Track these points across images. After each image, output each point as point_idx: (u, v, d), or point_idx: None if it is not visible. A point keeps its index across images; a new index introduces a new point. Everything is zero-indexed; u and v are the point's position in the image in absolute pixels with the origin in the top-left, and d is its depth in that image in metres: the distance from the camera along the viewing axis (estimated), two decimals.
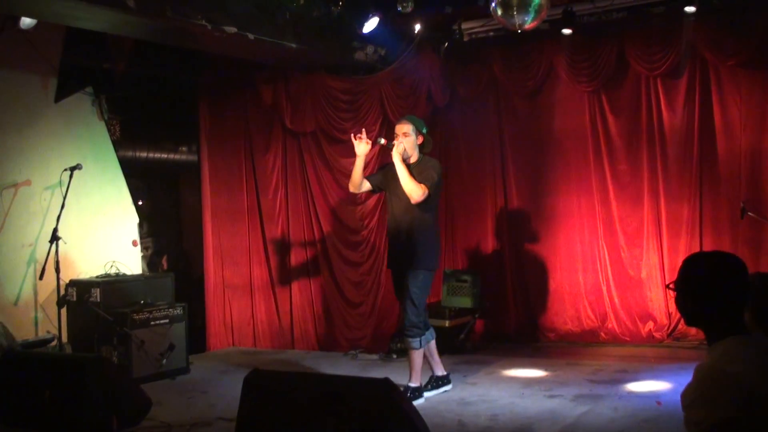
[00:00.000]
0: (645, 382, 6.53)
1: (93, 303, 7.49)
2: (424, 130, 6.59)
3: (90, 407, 5.49)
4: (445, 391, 6.63)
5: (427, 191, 6.26)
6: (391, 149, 6.42)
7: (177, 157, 10.17)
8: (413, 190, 6.25)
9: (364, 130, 6.71)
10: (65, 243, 7.45)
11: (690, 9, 7.34)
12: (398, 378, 5.85)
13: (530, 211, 8.82)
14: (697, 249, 7.94)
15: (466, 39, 8.49)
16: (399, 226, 6.46)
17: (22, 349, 7.28)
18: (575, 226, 8.58)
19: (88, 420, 5.46)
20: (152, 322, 7.54)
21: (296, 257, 9.39)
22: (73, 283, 7.74)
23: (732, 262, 2.66)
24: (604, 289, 8.40)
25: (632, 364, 7.32)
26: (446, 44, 8.57)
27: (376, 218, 9.06)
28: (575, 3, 7.77)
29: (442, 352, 7.67)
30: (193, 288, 9.64)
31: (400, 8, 7.69)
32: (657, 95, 8.09)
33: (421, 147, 6.55)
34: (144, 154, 9.70)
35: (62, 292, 7.57)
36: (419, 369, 6.39)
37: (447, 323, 8.27)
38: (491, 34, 8.38)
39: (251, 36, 7.35)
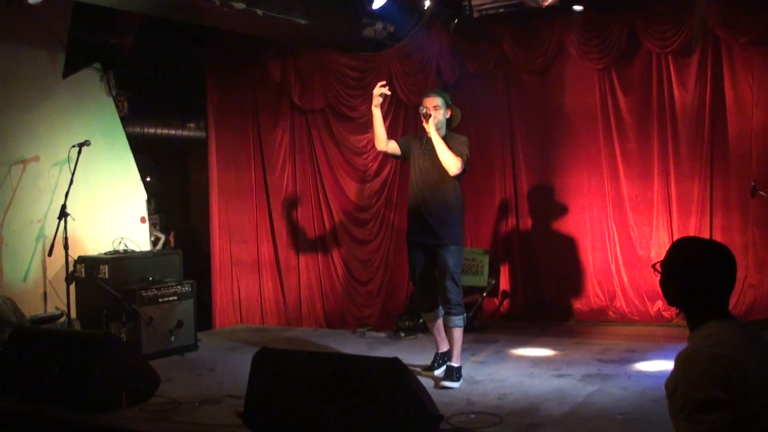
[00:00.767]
0: (654, 362, 6.52)
1: (101, 279, 7.51)
2: (452, 105, 6.44)
3: (99, 383, 5.52)
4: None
5: (462, 164, 6.12)
6: (427, 119, 6.20)
7: (185, 133, 10.15)
8: (453, 161, 6.08)
9: (385, 82, 6.53)
10: (74, 219, 7.45)
11: None
12: (406, 356, 5.86)
13: (539, 189, 8.78)
14: (707, 228, 7.90)
15: (475, 15, 8.39)
16: (428, 201, 6.23)
17: (32, 325, 7.31)
18: (584, 204, 8.54)
19: (97, 396, 5.49)
20: (160, 299, 7.55)
21: (304, 235, 9.38)
22: (82, 260, 7.76)
23: (719, 248, 2.68)
24: (613, 268, 8.37)
25: (641, 343, 7.31)
26: (456, 21, 8.47)
27: (384, 196, 9.05)
28: None
29: None
30: (201, 265, 9.65)
31: None
32: (668, 73, 8.01)
33: (449, 122, 6.39)
34: (152, 131, 9.69)
35: (71, 268, 7.59)
36: (460, 348, 6.23)
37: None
38: (501, 10, 8.28)
39: (260, 12, 7.30)
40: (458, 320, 6.16)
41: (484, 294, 8.53)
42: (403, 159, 6.69)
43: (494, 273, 8.66)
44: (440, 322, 6.44)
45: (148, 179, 9.53)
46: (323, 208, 9.28)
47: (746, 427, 2.29)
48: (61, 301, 7.79)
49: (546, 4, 6.46)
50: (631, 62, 8.22)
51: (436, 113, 6.23)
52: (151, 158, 9.90)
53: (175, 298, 7.68)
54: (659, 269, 2.73)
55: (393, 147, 6.50)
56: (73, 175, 7.55)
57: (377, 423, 4.34)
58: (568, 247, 8.61)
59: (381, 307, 8.98)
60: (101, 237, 8.43)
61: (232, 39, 9.11)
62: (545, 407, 5.39)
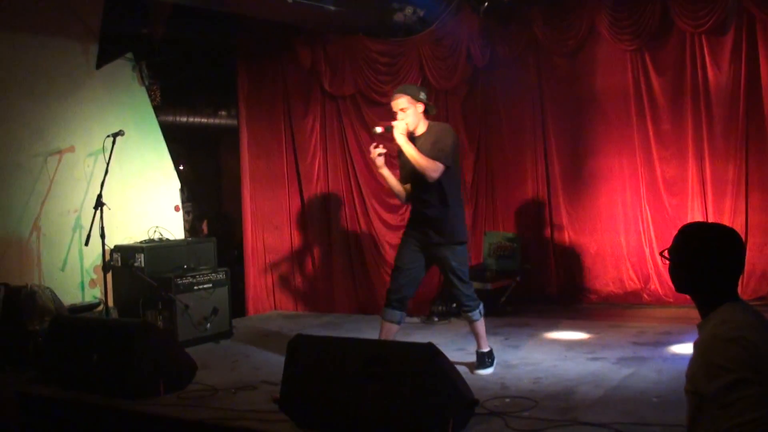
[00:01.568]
0: (689, 344, 6.43)
1: (137, 268, 7.59)
2: (422, 95, 6.03)
3: (137, 371, 5.59)
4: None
5: (442, 166, 5.76)
6: (391, 131, 5.89)
7: (217, 121, 10.21)
8: (426, 168, 5.75)
9: (372, 146, 6.09)
10: (109, 209, 7.53)
11: None
12: (440, 342, 5.87)
13: (571, 172, 8.73)
14: (743, 209, 7.82)
15: None
16: (423, 202, 5.99)
17: (70, 314, 7.42)
18: (617, 187, 8.49)
19: (135, 383, 5.57)
20: (195, 287, 7.62)
21: (335, 221, 9.41)
22: (118, 249, 7.85)
23: (729, 232, 2.71)
24: (647, 250, 8.31)
25: (676, 325, 7.26)
26: (485, 4, 8.42)
27: None
28: None
29: (484, 314, 7.70)
30: (234, 252, 9.72)
31: None
32: (702, 53, 7.91)
33: (426, 113, 6.06)
34: (184, 119, 9.77)
35: (107, 257, 7.68)
36: (484, 334, 6.14)
37: (489, 286, 8.26)
38: None
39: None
40: (476, 314, 6.07)
41: (518, 278, 8.51)
42: None
43: (527, 257, 8.64)
44: (391, 327, 6.13)
45: (181, 168, 9.60)
46: (355, 193, 9.29)
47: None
48: (99, 289, 7.90)
49: None
50: (663, 43, 8.13)
51: (404, 114, 5.94)
52: (183, 147, 9.97)
53: (210, 285, 7.76)
54: (668, 256, 2.77)
55: (408, 187, 6.18)
56: (107, 164, 7.61)
57: (412, 408, 4.36)
58: (602, 230, 8.57)
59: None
60: (136, 226, 8.53)
61: (261, 26, 9.13)
62: (580, 390, 5.38)
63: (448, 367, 4.68)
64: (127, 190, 8.60)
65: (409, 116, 5.93)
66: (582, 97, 8.61)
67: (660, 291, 8.20)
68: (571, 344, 6.83)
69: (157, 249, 7.85)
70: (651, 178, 8.27)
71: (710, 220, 7.93)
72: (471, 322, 6.12)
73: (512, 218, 9.06)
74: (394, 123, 5.91)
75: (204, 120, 10.04)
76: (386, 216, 9.17)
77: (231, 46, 9.66)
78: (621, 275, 8.46)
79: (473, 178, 9.21)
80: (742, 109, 7.76)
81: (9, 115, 7.86)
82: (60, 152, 8.14)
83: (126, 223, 8.50)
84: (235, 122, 9.94)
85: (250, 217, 9.71)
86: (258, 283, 9.66)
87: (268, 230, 9.71)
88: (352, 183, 9.31)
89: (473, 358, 6.26)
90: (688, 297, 7.75)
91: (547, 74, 8.79)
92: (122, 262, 7.71)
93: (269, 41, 9.44)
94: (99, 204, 7.34)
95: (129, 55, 8.87)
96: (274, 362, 5.93)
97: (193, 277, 7.64)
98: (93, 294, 8.19)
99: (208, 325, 7.61)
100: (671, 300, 8.10)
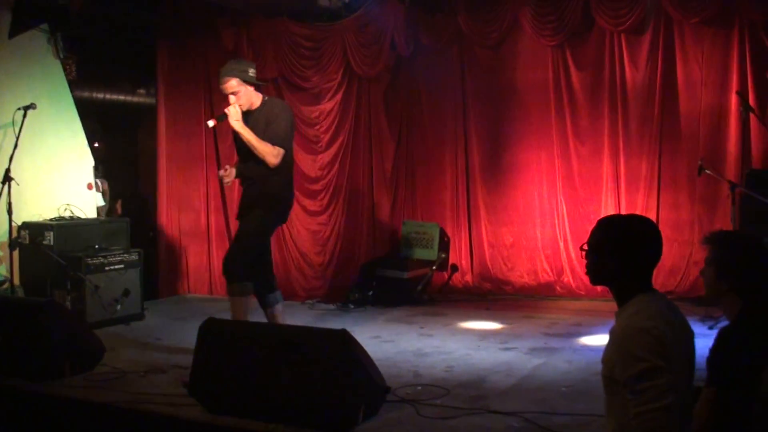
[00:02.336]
0: (599, 336, 6.60)
1: (46, 246, 7.37)
2: (251, 73, 5.95)
3: (43, 352, 5.44)
4: None
5: (282, 151, 5.79)
6: (225, 119, 5.84)
7: (135, 99, 9.97)
8: (267, 154, 5.76)
9: (222, 170, 6.11)
10: (18, 184, 7.28)
11: None
12: (355, 329, 5.85)
13: (490, 163, 8.82)
14: (654, 205, 8.03)
15: None
16: (252, 177, 5.97)
17: None
18: (534, 180, 8.60)
19: (41, 364, 5.41)
20: (107, 267, 7.44)
21: None
22: (26, 226, 7.60)
23: (646, 223, 2.87)
24: (561, 243, 8.46)
25: (587, 318, 7.40)
26: None
27: (336, 167, 9.01)
28: None
29: (399, 303, 7.73)
30: (150, 233, 9.52)
31: None
32: (621, 51, 8.07)
33: (258, 88, 6.01)
34: (101, 96, 9.50)
35: (14, 234, 7.43)
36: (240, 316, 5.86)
37: (405, 275, 8.29)
38: None
39: None
40: (233, 288, 5.95)
41: (434, 267, 8.56)
42: None
43: (444, 247, 8.70)
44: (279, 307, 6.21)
45: (96, 145, 9.35)
46: None
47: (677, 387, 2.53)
48: (5, 267, 7.64)
49: None
50: (584, 40, 8.27)
51: (235, 97, 5.84)
52: (99, 124, 9.71)
53: (122, 266, 7.59)
54: (586, 249, 2.88)
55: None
56: (17, 138, 7.37)
57: (324, 394, 4.34)
58: (518, 222, 8.68)
59: (331, 279, 8.97)
60: (46, 203, 8.26)
61: (184, 4, 8.95)
62: (492, 379, 5.43)
63: (361, 353, 4.67)
64: (37, 165, 8.31)
65: (241, 98, 5.84)
66: (503, 89, 8.70)
67: (572, 284, 8.35)
68: (484, 334, 6.89)
69: (67, 227, 7.64)
70: (567, 172, 8.41)
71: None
72: (230, 297, 5.96)
73: (431, 208, 9.11)
74: (226, 110, 5.80)
75: (121, 97, 9.79)
76: (305, 201, 9.10)
77: (152, 23, 9.42)
78: (535, 267, 8.59)
79: (393, 166, 9.22)
80: (657, 108, 7.96)
81: None
82: None
83: (35, 200, 8.22)
84: (153, 101, 9.72)
85: (165, 199, 9.51)
86: (172, 266, 9.49)
87: (184, 212, 9.53)
88: None
89: (388, 346, 6.27)
90: (599, 290, 7.94)
91: (470, 66, 8.86)
92: (30, 240, 7.48)
93: (192, 20, 9.25)
94: (7, 179, 7.11)
95: (44, 26, 8.56)
96: (186, 346, 5.83)
97: (105, 257, 7.46)
98: None
99: (119, 306, 7.44)
100: (583, 293, 8.26)
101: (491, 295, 8.60)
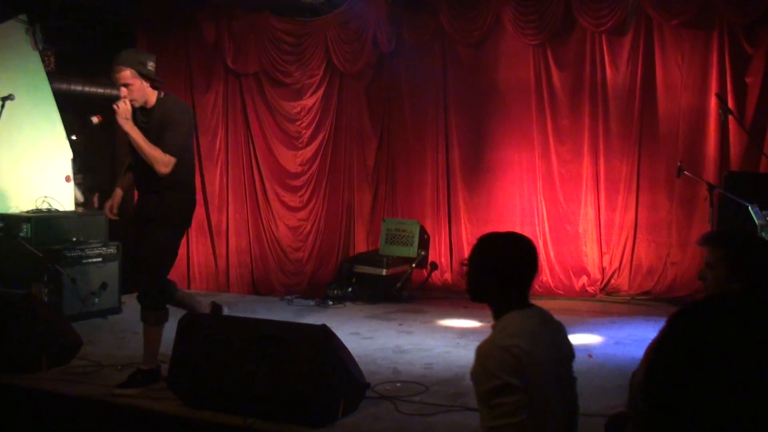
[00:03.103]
0: (577, 335, 6.62)
1: (23, 238, 7.30)
2: (149, 67, 5.12)
3: (18, 345, 5.39)
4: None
5: (174, 160, 4.98)
6: (113, 117, 5.10)
7: (114, 92, 9.83)
8: (156, 160, 4.96)
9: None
10: None
11: None
12: (334, 325, 5.83)
13: (471, 162, 8.84)
14: (633, 205, 8.09)
15: None
16: (146, 180, 5.19)
17: None
18: (515, 179, 8.63)
19: (16, 357, 5.36)
20: (84, 260, 7.38)
21: (235, 200, 9.26)
22: (2, 218, 7.52)
23: (523, 243, 2.89)
24: (540, 242, 8.49)
25: (565, 317, 7.26)
26: None
27: (317, 163, 9.00)
28: None
29: (379, 300, 7.72)
30: (128, 227, 9.44)
31: None
32: (602, 52, 8.13)
33: (154, 85, 5.18)
34: (79, 88, 9.40)
35: None
36: (153, 348, 5.22)
37: (384, 272, 8.29)
38: None
39: None
40: (150, 316, 5.23)
41: (413, 265, 8.56)
42: None
43: (423, 244, 8.70)
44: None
45: (74, 138, 9.26)
46: (255, 174, 9.17)
47: (532, 404, 2.59)
48: None
49: None
50: (565, 40, 8.31)
51: (126, 91, 5.05)
52: (78, 116, 9.62)
53: (100, 259, 7.53)
54: (467, 264, 2.92)
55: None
56: None
57: (303, 389, 4.33)
58: (497, 220, 8.69)
59: (310, 275, 8.96)
60: (24, 195, 8.17)
61: None
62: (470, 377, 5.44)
63: (341, 349, 4.67)
64: (15, 157, 8.22)
65: (134, 92, 5.05)
66: (485, 88, 8.72)
67: (551, 283, 8.39)
68: (463, 332, 6.91)
69: (44, 219, 7.57)
70: (547, 172, 8.45)
71: (602, 216, 8.17)
72: (144, 325, 5.26)
73: (411, 205, 9.12)
74: (114, 106, 5.05)
75: (101, 90, 9.68)
76: (286, 197, 9.09)
77: (132, 15, 9.34)
78: None
79: (375, 163, 9.23)
80: (637, 109, 8.02)
81: None
82: None
83: (12, 192, 8.13)
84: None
85: None
86: None
87: None
88: (253, 162, 9.18)
89: (368, 343, 6.27)
90: (577, 289, 7.95)
91: (452, 64, 8.87)
92: (7, 232, 7.40)
93: (172, 13, 9.18)
94: None
95: (23, 16, 8.47)
96: (164, 340, 5.77)
97: (82, 250, 7.40)
98: None
99: (96, 300, 7.38)
100: (561, 292, 8.30)
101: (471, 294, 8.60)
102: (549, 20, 8.14)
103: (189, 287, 9.27)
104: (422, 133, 9.02)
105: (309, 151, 9.01)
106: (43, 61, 8.65)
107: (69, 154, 8.92)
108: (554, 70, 8.37)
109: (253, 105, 9.11)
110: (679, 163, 7.18)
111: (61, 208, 8.11)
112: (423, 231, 8.74)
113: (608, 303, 8.00)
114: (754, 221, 5.60)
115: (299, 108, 9.00)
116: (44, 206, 7.93)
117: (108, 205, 5.43)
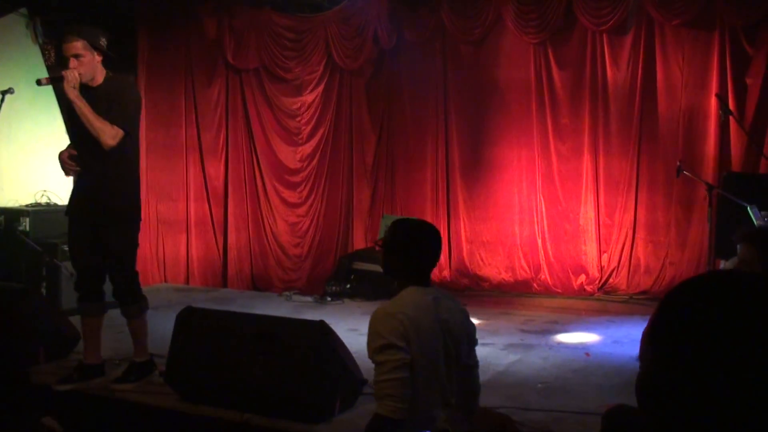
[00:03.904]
0: (575, 334, 6.65)
1: (21, 232, 7.30)
2: (103, 42, 5.02)
3: (16, 338, 5.38)
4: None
5: (121, 132, 4.85)
6: (60, 83, 4.90)
7: None
8: (102, 131, 4.80)
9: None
10: None
11: None
12: (332, 321, 5.83)
13: (470, 160, 8.83)
14: (632, 204, 8.08)
15: None
16: (90, 170, 5.02)
17: None
18: (514, 177, 8.63)
19: (14, 351, 5.35)
20: None
21: (234, 196, 9.26)
22: (2, 211, 7.53)
23: (429, 229, 3.33)
24: (539, 241, 8.49)
25: (563, 315, 7.44)
26: None
27: (316, 160, 9.00)
28: None
29: (377, 297, 7.72)
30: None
31: None
32: (602, 51, 8.12)
33: (105, 63, 5.06)
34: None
35: None
36: (144, 339, 5.23)
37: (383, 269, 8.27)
38: None
39: None
40: (133, 310, 5.15)
41: None
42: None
43: None
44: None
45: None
46: (255, 169, 9.18)
47: (416, 367, 3.01)
48: None
49: None
50: (566, 38, 8.30)
51: (77, 63, 4.87)
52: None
53: None
54: (380, 244, 3.31)
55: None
56: None
57: (300, 384, 4.33)
58: (497, 218, 8.70)
59: (309, 271, 8.96)
60: (23, 189, 8.17)
61: None
62: None
63: (339, 345, 4.67)
64: (14, 151, 8.23)
65: (84, 65, 4.89)
66: (485, 86, 8.72)
67: (549, 281, 8.39)
68: None
69: (44, 213, 7.56)
70: (547, 171, 8.45)
71: (601, 214, 8.17)
72: (134, 319, 5.17)
73: (410, 202, 9.12)
74: (64, 73, 4.87)
75: None
76: (285, 193, 9.09)
77: (132, 10, 9.33)
78: (513, 264, 8.62)
79: (374, 160, 9.22)
80: (637, 108, 8.01)
81: None
82: None
83: (12, 186, 8.13)
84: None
85: (144, 188, 9.41)
86: (149, 255, 9.40)
87: (163, 202, 9.45)
88: (253, 158, 9.19)
89: (365, 339, 6.25)
90: (576, 288, 7.97)
91: (453, 61, 8.86)
92: (5, 225, 7.40)
93: (173, 8, 9.17)
94: None
95: (23, 10, 8.47)
96: (162, 335, 5.77)
97: None
98: None
99: None
100: (560, 290, 8.31)
101: (468, 291, 8.62)
102: (550, 18, 8.13)
103: (188, 282, 9.28)
104: (422, 130, 9.01)
105: (308, 147, 9.01)
106: (44, 54, 8.65)
107: None
108: (555, 69, 8.36)
109: (253, 100, 9.12)
110: (678, 163, 7.17)
111: (60, 202, 8.09)
112: None
113: (606, 302, 8.01)
114: (752, 222, 5.60)
115: (299, 104, 8.99)
116: (43, 200, 7.92)
117: (64, 154, 5.13)
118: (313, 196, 9.07)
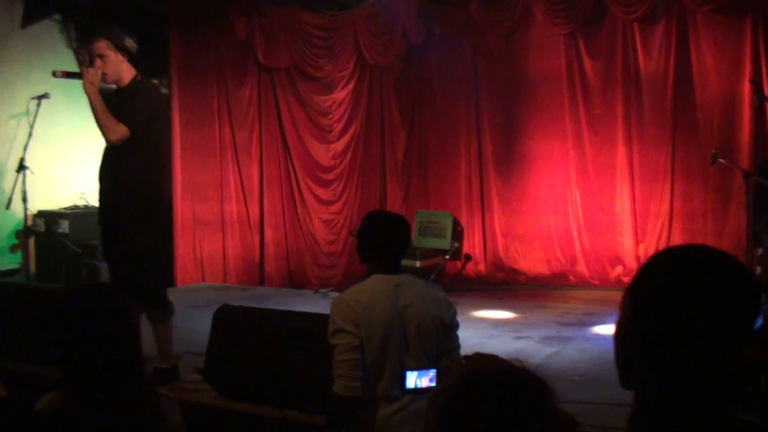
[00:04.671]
0: (612, 326, 6.58)
1: (61, 234, 7.42)
2: (128, 43, 5.08)
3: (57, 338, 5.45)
4: None
5: (124, 129, 4.84)
6: (78, 79, 5.05)
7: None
8: (105, 126, 4.85)
9: None
10: (33, 173, 7.32)
11: None
12: None
13: (503, 153, 8.81)
14: (668, 194, 8.01)
15: None
16: (106, 174, 5.12)
17: None
18: (548, 169, 8.59)
19: (56, 351, 5.43)
20: None
21: (269, 194, 9.32)
22: (41, 214, 7.66)
23: (398, 221, 3.49)
24: (575, 232, 8.45)
25: (600, 307, 7.39)
26: None
27: (348, 157, 9.02)
28: None
29: None
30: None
31: None
32: (633, 40, 8.05)
33: (139, 65, 5.15)
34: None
35: (29, 222, 7.48)
36: (169, 344, 5.27)
37: (418, 264, 8.29)
38: None
39: None
40: (158, 314, 5.17)
41: (447, 257, 8.55)
42: None
43: (457, 236, 8.70)
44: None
45: None
46: (289, 167, 9.22)
47: (367, 349, 3.19)
48: (21, 255, 7.69)
49: None
50: (597, 28, 8.24)
51: (102, 65, 4.94)
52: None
53: None
54: (355, 234, 3.49)
55: None
56: (32, 128, 7.40)
57: None
58: (531, 211, 8.67)
59: (344, 268, 8.99)
60: (62, 192, 8.31)
61: None
62: None
63: None
64: (52, 154, 8.35)
65: (108, 64, 4.95)
66: (516, 79, 8.69)
67: (586, 273, 8.34)
68: (497, 323, 6.90)
69: (82, 216, 7.69)
70: (581, 162, 8.40)
71: (637, 205, 8.11)
72: (157, 323, 5.17)
73: (444, 197, 9.12)
74: (84, 69, 4.98)
75: None
76: (318, 191, 9.13)
77: (163, 12, 9.41)
78: (549, 256, 8.58)
79: (407, 156, 9.23)
80: (671, 96, 7.94)
81: None
82: None
83: (50, 189, 8.26)
84: (167, 91, 9.70)
85: (180, 188, 9.51)
86: (186, 254, 9.49)
87: (199, 201, 9.54)
88: (287, 156, 9.23)
89: None
90: (613, 279, 7.94)
91: (483, 55, 8.84)
92: (46, 228, 7.52)
93: (204, 9, 9.24)
94: (21, 168, 7.14)
95: (57, 15, 8.59)
96: (200, 333, 5.84)
97: None
98: (15, 259, 7.96)
99: None
100: (597, 282, 8.26)
101: (504, 285, 8.61)
102: (579, 9, 8.08)
103: (225, 281, 9.36)
104: (454, 125, 9.00)
105: (341, 145, 9.04)
106: (77, 59, 8.76)
107: None
108: (586, 59, 8.31)
109: (285, 99, 9.16)
110: (713, 150, 7.11)
111: (98, 205, 8.20)
112: (456, 223, 8.73)
113: None
114: None
115: (330, 102, 9.03)
116: (81, 203, 8.04)
117: None
118: (346, 193, 9.10)
